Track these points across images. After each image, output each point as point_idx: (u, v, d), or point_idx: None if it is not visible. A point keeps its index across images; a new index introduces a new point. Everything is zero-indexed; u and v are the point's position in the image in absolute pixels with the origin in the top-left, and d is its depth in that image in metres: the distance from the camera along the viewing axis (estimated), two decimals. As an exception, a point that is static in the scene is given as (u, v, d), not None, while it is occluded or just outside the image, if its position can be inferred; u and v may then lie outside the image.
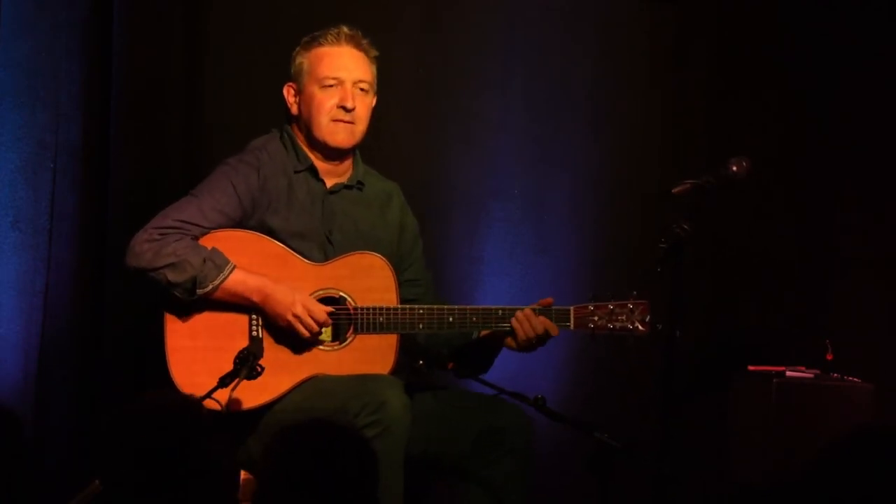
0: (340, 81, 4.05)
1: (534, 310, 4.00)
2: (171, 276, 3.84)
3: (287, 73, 4.12)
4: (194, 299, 3.87)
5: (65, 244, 4.61)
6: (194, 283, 3.84)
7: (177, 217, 3.90)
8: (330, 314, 3.94)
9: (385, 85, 4.13)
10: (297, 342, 3.92)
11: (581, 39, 5.20)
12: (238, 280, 3.88)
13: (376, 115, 4.11)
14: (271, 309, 3.89)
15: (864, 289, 5.25)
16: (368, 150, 4.17)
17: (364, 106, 4.07)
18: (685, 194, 3.90)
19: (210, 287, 3.86)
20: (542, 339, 3.99)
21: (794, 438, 4.71)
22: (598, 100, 5.22)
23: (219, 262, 3.87)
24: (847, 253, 5.31)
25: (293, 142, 4.09)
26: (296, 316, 3.88)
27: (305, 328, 3.89)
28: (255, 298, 3.90)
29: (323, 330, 3.94)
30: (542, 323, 3.97)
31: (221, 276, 3.86)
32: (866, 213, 5.29)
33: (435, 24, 5.10)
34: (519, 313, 3.98)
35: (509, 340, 4.02)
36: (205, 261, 3.85)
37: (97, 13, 4.64)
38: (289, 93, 4.11)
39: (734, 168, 3.92)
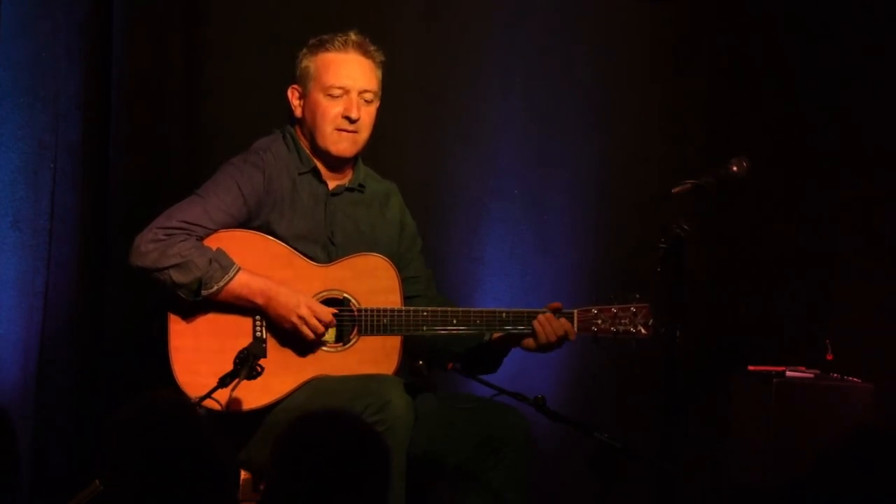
0: (346, 91, 4.04)
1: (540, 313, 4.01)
2: (177, 277, 3.84)
3: (288, 73, 4.12)
4: (198, 301, 3.87)
5: (65, 244, 4.61)
6: (199, 284, 3.84)
7: (181, 217, 3.89)
8: (334, 315, 3.94)
9: (385, 85, 4.13)
10: (301, 343, 3.92)
11: (581, 39, 5.20)
12: (242, 282, 3.88)
13: (377, 115, 4.11)
14: (275, 311, 3.89)
15: (864, 289, 5.25)
16: (369, 150, 4.16)
17: (368, 115, 4.06)
18: (685, 194, 3.91)
19: (215, 288, 3.85)
20: (562, 340, 4.00)
21: (794, 438, 4.71)
22: (597, 100, 5.22)
23: (224, 264, 3.87)
24: (847, 253, 5.31)
25: (296, 143, 4.09)
26: (300, 318, 3.88)
27: (310, 329, 3.89)
28: (259, 301, 3.90)
29: (327, 331, 3.95)
30: (562, 325, 3.98)
31: (226, 278, 3.86)
32: (866, 213, 5.29)
33: (435, 24, 5.10)
34: (541, 316, 3.98)
35: (527, 342, 4.02)
36: (210, 262, 3.85)
37: (97, 14, 4.64)
38: (293, 95, 4.11)
39: (734, 168, 3.93)
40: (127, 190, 4.71)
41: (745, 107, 5.30)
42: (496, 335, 4.07)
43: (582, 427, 3.51)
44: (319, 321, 3.89)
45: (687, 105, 5.29)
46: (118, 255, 4.14)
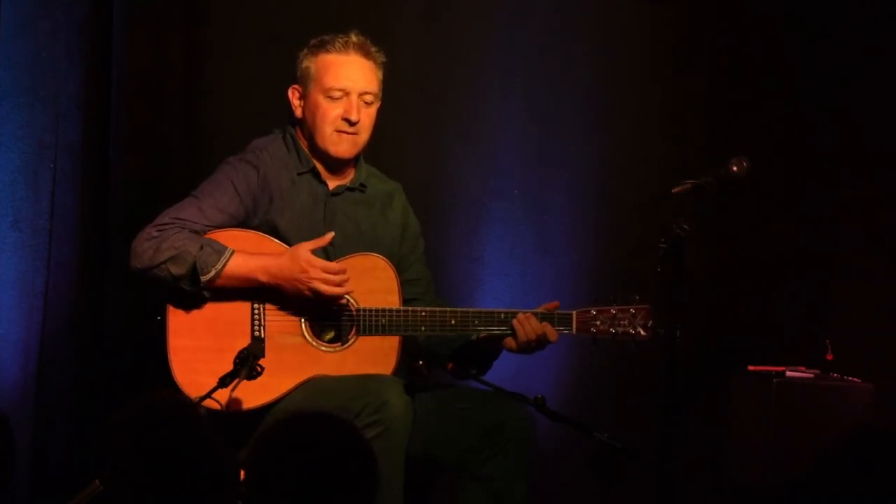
0: (346, 93, 4.04)
1: (536, 314, 4.00)
2: (174, 269, 3.83)
3: (288, 72, 4.12)
4: (201, 288, 3.85)
5: (65, 244, 4.61)
6: (195, 270, 3.83)
7: (175, 215, 3.90)
8: (332, 316, 3.93)
9: (385, 85, 4.13)
10: (301, 344, 3.91)
11: (581, 39, 5.20)
12: (239, 263, 3.86)
13: (377, 116, 4.11)
14: (284, 280, 3.87)
15: (864, 289, 5.25)
16: (369, 149, 4.17)
17: (368, 116, 4.06)
18: (685, 194, 3.91)
19: (213, 273, 3.84)
20: (542, 342, 3.99)
21: (794, 438, 4.71)
22: (597, 100, 5.22)
23: (217, 248, 3.86)
24: (847, 253, 5.31)
25: (296, 144, 4.09)
26: (313, 278, 3.85)
27: (327, 284, 3.86)
28: (262, 278, 3.88)
29: (326, 331, 3.94)
30: (542, 327, 3.98)
31: (223, 260, 3.84)
32: (866, 213, 5.29)
33: (435, 24, 5.10)
34: (520, 315, 3.98)
35: (508, 342, 4.02)
36: (202, 247, 3.84)
37: (97, 14, 4.64)
38: (293, 95, 4.10)
39: (734, 168, 3.93)
40: (127, 190, 4.71)
41: (745, 107, 5.30)
42: (483, 335, 4.06)
43: (582, 427, 3.50)
44: (329, 272, 3.85)
45: (687, 105, 5.28)
46: (118, 255, 4.14)
